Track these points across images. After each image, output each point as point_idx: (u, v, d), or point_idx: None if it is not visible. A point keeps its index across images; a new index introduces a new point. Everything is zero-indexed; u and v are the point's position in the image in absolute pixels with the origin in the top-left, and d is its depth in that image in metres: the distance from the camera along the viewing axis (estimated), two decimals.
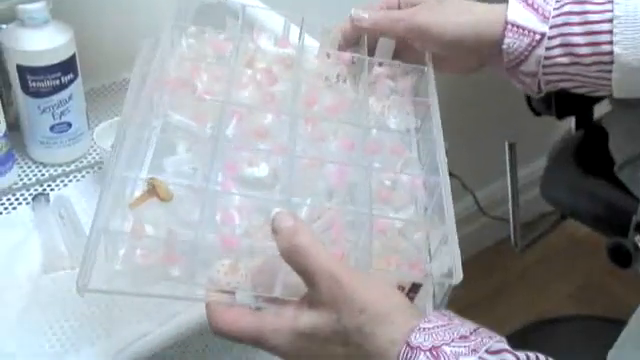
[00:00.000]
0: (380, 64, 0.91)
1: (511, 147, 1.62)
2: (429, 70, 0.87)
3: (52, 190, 0.98)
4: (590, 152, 1.56)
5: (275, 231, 0.61)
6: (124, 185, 0.69)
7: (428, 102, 0.82)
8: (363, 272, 0.63)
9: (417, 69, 0.89)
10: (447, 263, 0.67)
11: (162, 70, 0.80)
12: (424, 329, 0.56)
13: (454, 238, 0.67)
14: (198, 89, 0.80)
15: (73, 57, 1.00)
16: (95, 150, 1.05)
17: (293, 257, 0.60)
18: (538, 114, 1.54)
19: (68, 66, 0.99)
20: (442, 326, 0.57)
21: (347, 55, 0.89)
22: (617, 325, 0.92)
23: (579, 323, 1.33)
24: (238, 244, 0.67)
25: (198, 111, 0.79)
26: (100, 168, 1.01)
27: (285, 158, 0.73)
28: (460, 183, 1.89)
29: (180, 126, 0.78)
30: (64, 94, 0.99)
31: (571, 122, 1.63)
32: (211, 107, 0.78)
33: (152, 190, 0.69)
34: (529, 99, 1.52)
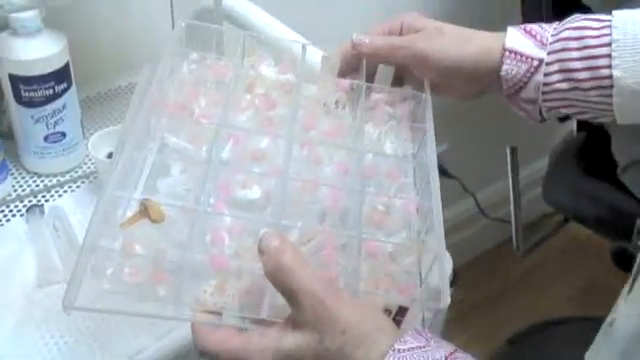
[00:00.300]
0: (378, 91, 0.92)
1: (513, 151, 1.60)
2: (427, 97, 0.87)
3: (47, 201, 0.97)
4: (592, 154, 1.53)
5: (261, 251, 0.61)
6: (116, 205, 0.70)
7: (425, 128, 0.82)
8: (348, 294, 0.62)
9: (415, 96, 0.89)
10: (436, 285, 0.67)
11: (160, 94, 0.81)
12: (399, 350, 0.56)
13: (444, 260, 0.66)
14: (195, 113, 0.81)
15: (67, 66, 0.98)
16: (90, 160, 1.03)
17: (277, 277, 0.60)
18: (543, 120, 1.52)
19: (62, 75, 0.96)
20: (418, 348, 0.56)
21: (346, 82, 0.90)
22: None
23: (580, 325, 1.30)
24: (227, 265, 0.67)
25: (195, 134, 0.80)
26: (96, 178, 1.00)
27: (278, 180, 0.74)
28: (461, 185, 1.83)
29: (176, 148, 0.79)
30: (58, 103, 0.97)
31: (573, 124, 1.60)
32: (208, 130, 0.79)
33: (144, 211, 0.70)
34: None
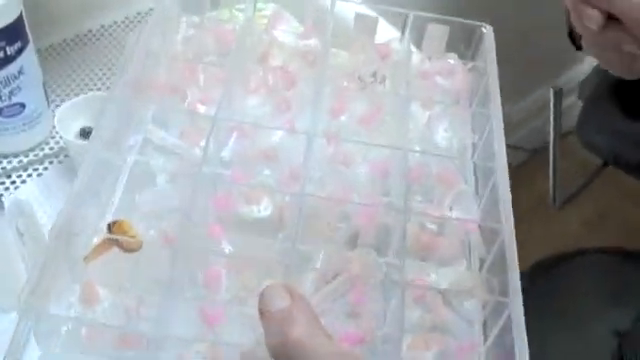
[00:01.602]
0: (429, 58, 0.72)
1: (557, 95, 1.38)
2: (490, 66, 0.67)
3: (6, 189, 0.77)
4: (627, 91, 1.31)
5: (262, 313, 0.43)
6: (79, 229, 0.53)
7: (489, 112, 0.62)
8: None
9: (477, 66, 0.69)
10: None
11: (146, 70, 0.63)
12: None
13: (520, 321, 0.48)
14: (189, 97, 0.63)
15: (20, 19, 0.75)
16: (59, 133, 0.81)
17: (283, 355, 0.42)
18: (579, 48, 1.31)
19: (14, 32, 0.74)
20: None
21: (386, 47, 0.70)
22: None
23: (597, 256, 1.18)
24: (221, 318, 0.49)
25: (188, 126, 0.62)
26: (67, 157, 0.80)
27: (295, 191, 0.55)
28: None
29: (163, 146, 0.61)
30: (12, 69, 0.76)
31: None
32: (205, 121, 0.60)
33: (114, 238, 0.52)
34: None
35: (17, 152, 0.81)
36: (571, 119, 1.36)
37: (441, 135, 0.65)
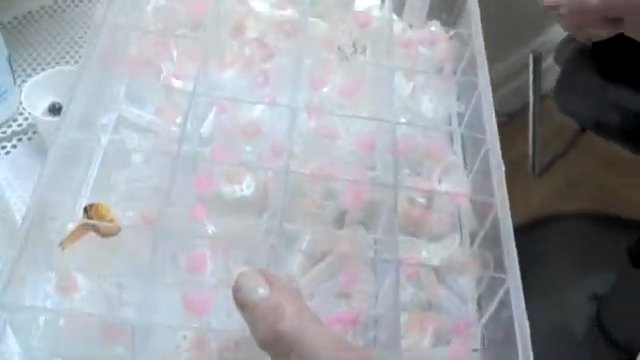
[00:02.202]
0: (411, 26, 0.69)
1: (536, 60, 1.36)
2: (476, 33, 0.65)
3: None
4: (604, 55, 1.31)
5: (245, 306, 0.40)
6: (53, 213, 0.50)
7: (476, 81, 0.60)
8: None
9: (460, 34, 0.67)
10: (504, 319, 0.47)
11: (116, 44, 0.60)
12: None
13: (519, 293, 0.46)
14: (164, 72, 0.60)
15: None
16: (27, 110, 0.76)
17: (279, 350, 0.40)
18: None
19: None
20: None
21: (366, 15, 0.67)
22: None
23: (574, 221, 1.17)
24: (208, 305, 0.47)
25: (164, 102, 0.59)
26: (35, 133, 0.76)
27: (278, 167, 0.53)
28: None
29: (139, 124, 0.58)
30: None
31: None
32: (181, 96, 0.57)
33: (90, 222, 0.50)
34: None
35: None
36: (548, 82, 1.35)
37: (426, 105, 0.63)
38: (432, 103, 0.63)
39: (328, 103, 0.61)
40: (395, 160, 0.55)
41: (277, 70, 0.62)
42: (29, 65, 0.83)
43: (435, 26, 0.68)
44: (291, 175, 0.52)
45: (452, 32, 0.68)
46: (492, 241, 0.51)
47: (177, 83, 0.60)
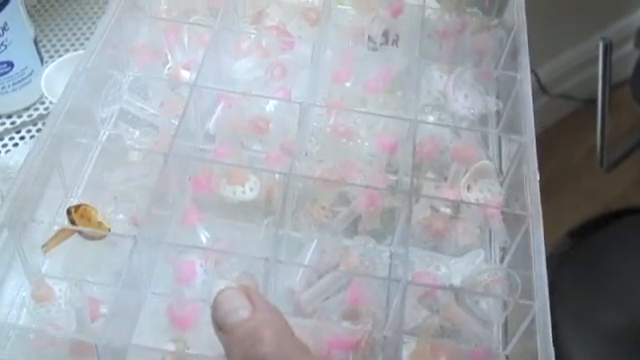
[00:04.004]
0: (449, 13, 0.63)
1: (606, 48, 1.26)
2: (520, 22, 0.58)
3: None
4: None
5: (222, 329, 0.35)
6: (35, 214, 0.46)
7: (517, 76, 0.53)
8: None
9: (504, 23, 0.60)
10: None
11: (124, 31, 0.56)
12: None
13: (547, 321, 0.40)
14: (170, 62, 0.55)
15: None
16: (46, 95, 0.72)
17: None
18: None
19: None
20: None
21: (399, 2, 0.61)
22: None
23: None
24: (193, 320, 0.42)
25: (169, 95, 0.54)
26: None
27: (286, 169, 0.48)
28: None
29: (142, 118, 0.54)
30: None
31: None
32: (186, 89, 0.53)
33: (75, 224, 0.46)
34: None
35: (9, 113, 0.73)
36: (625, 70, 1.25)
37: (460, 103, 0.56)
38: (467, 100, 0.56)
39: (350, 98, 0.55)
40: (418, 162, 0.49)
41: (296, 61, 0.57)
42: (62, 46, 0.79)
43: (475, 15, 0.61)
44: (298, 177, 0.47)
45: (495, 21, 0.61)
46: (523, 258, 0.45)
47: (185, 74, 0.55)
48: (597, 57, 1.60)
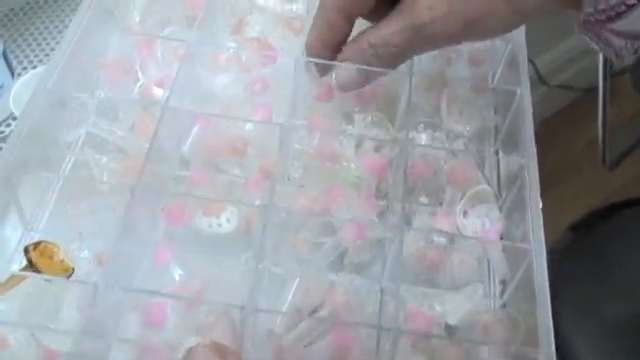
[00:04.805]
0: None
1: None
2: (518, 29, 0.54)
3: None
4: None
5: None
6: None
7: (516, 91, 0.49)
8: None
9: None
10: None
11: (93, 44, 0.52)
12: None
13: None
14: (141, 80, 0.51)
15: None
16: (15, 112, 0.67)
17: None
18: None
19: None
20: None
21: None
22: None
23: None
24: None
25: (140, 116, 0.50)
26: None
27: (266, 197, 0.44)
28: None
29: (110, 142, 0.49)
30: None
31: None
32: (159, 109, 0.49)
33: (34, 263, 0.42)
34: None
35: None
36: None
37: (455, 118, 0.52)
38: (463, 115, 0.52)
39: (336, 116, 0.51)
40: (409, 186, 0.45)
41: (279, 75, 0.53)
42: (34, 57, 0.75)
43: None
44: (279, 207, 0.43)
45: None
46: (525, 294, 0.41)
47: (158, 92, 0.51)
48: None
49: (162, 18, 0.57)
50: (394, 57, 0.46)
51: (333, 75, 0.48)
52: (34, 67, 0.73)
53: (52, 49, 0.76)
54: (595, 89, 1.53)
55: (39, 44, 0.77)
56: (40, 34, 0.78)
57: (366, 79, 0.47)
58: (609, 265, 0.99)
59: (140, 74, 0.51)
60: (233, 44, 0.55)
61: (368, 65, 0.46)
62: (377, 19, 0.46)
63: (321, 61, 0.47)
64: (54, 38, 0.77)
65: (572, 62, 1.71)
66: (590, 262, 1.01)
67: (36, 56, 0.76)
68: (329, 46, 0.47)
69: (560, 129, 1.93)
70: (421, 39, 0.44)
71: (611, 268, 0.98)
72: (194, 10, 0.57)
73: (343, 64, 0.47)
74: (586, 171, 1.90)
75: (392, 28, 0.45)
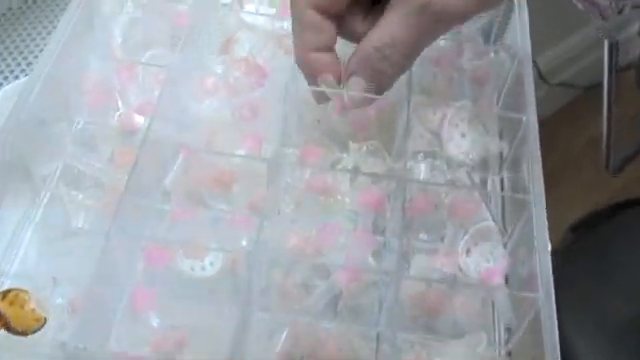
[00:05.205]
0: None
1: (612, 47, 1.18)
2: (525, 48, 0.50)
3: None
4: None
5: None
6: None
7: (521, 119, 0.46)
8: None
9: (505, 46, 0.52)
10: None
11: (72, 68, 0.48)
12: None
13: None
14: (121, 109, 0.48)
15: None
16: None
17: None
18: None
19: None
20: None
21: None
22: None
23: None
24: None
25: (120, 147, 0.47)
26: None
27: (253, 236, 0.41)
28: None
29: (88, 175, 0.46)
30: None
31: None
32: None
33: (2, 315, 0.39)
34: None
35: None
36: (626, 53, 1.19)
37: (456, 142, 0.49)
38: (465, 140, 0.49)
39: (332, 143, 0.48)
40: (408, 221, 0.42)
41: (269, 98, 0.50)
42: (17, 66, 0.71)
43: (473, 38, 0.54)
44: (268, 247, 0.40)
45: (496, 46, 0.54)
46: (532, 341, 0.38)
47: (140, 120, 0.48)
48: (596, 44, 1.54)
49: (145, 38, 0.54)
50: (404, 55, 0.41)
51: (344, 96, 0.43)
52: (17, 77, 0.70)
53: (36, 57, 0.72)
54: (595, 87, 1.51)
55: (21, 52, 0.73)
56: (23, 41, 0.74)
57: (380, 89, 0.43)
58: (612, 265, 0.98)
59: (120, 102, 0.48)
60: (220, 66, 0.52)
61: (378, 72, 0.42)
62: (357, 18, 0.42)
63: (323, 89, 0.43)
64: (37, 46, 0.74)
65: (573, 60, 1.70)
66: (592, 262, 1.00)
67: (19, 65, 0.72)
68: (320, 50, 0.42)
69: (560, 128, 1.91)
70: (430, 20, 0.39)
71: (614, 268, 0.97)
72: (179, 28, 0.53)
73: (350, 80, 0.42)
74: (586, 169, 1.89)
75: (393, 21, 0.40)
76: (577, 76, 1.70)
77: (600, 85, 1.52)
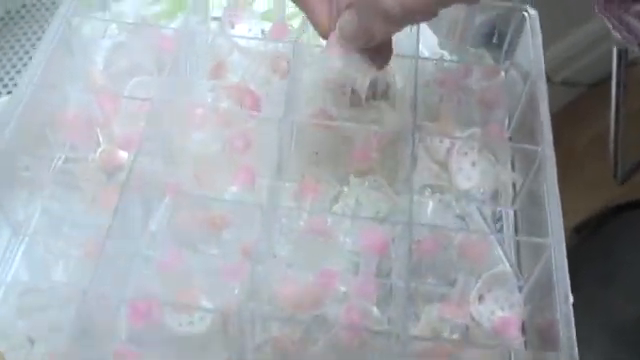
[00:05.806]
0: (450, 53, 0.52)
1: (621, 54, 1.16)
2: (537, 68, 0.47)
3: None
4: None
5: None
6: None
7: (537, 150, 0.42)
8: None
9: (516, 64, 0.49)
10: None
11: (51, 99, 0.45)
12: None
13: None
14: (102, 145, 0.44)
15: None
16: None
17: None
18: None
19: None
20: None
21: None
22: None
23: None
24: None
25: (102, 187, 0.43)
26: None
27: (245, 288, 0.37)
28: None
29: (67, 219, 0.43)
30: None
31: None
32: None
33: None
34: None
35: None
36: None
37: (466, 173, 0.45)
38: (475, 170, 0.45)
39: (331, 177, 0.45)
40: (415, 264, 0.39)
41: (262, 127, 0.46)
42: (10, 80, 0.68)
43: (482, 56, 0.50)
44: (262, 298, 0.37)
45: (506, 64, 0.50)
46: None
47: (123, 156, 0.44)
48: (600, 39, 1.51)
49: (129, 64, 0.50)
50: None
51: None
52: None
53: (19, 71, 0.68)
54: (599, 84, 1.48)
55: (3, 65, 0.69)
56: (5, 54, 0.70)
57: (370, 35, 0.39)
58: (617, 265, 0.97)
59: (101, 137, 0.44)
60: (210, 93, 0.48)
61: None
62: None
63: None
64: (21, 59, 0.70)
65: (576, 57, 1.67)
66: (597, 262, 0.98)
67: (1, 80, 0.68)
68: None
69: (563, 126, 1.88)
70: None
71: (619, 268, 0.96)
72: (166, 53, 0.50)
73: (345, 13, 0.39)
74: (589, 168, 1.87)
75: None
76: (580, 73, 1.68)
77: (604, 82, 1.49)
